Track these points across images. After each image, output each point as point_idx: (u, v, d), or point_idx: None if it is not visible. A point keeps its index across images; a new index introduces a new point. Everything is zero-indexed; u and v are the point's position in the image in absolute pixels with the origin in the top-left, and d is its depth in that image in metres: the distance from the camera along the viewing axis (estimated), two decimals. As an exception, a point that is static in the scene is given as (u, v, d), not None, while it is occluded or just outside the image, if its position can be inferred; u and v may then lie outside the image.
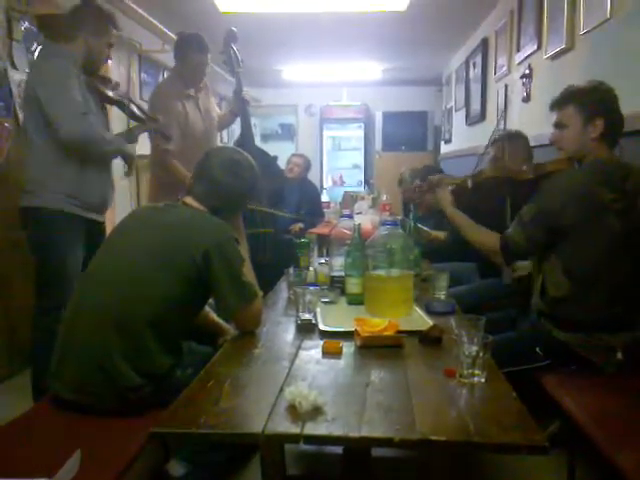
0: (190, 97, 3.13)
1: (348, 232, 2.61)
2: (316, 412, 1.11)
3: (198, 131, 3.13)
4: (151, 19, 4.41)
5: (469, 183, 2.09)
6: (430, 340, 1.56)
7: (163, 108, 2.91)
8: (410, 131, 7.78)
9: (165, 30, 4.68)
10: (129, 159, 2.40)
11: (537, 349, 1.82)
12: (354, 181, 8.19)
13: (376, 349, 1.51)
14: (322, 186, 7.97)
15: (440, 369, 1.36)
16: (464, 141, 5.66)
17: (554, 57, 3.08)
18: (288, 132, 8.66)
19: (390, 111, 7.87)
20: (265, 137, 8.60)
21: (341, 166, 8.38)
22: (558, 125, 1.84)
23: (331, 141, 8.40)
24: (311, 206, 4.55)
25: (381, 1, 4.03)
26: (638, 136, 2.08)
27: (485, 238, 1.93)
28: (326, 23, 4.70)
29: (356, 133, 8.19)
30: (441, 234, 3.03)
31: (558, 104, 1.84)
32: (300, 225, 4.24)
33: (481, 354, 1.30)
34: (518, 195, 1.99)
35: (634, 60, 2.25)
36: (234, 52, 3.20)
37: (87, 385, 1.48)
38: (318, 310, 1.80)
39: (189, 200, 1.71)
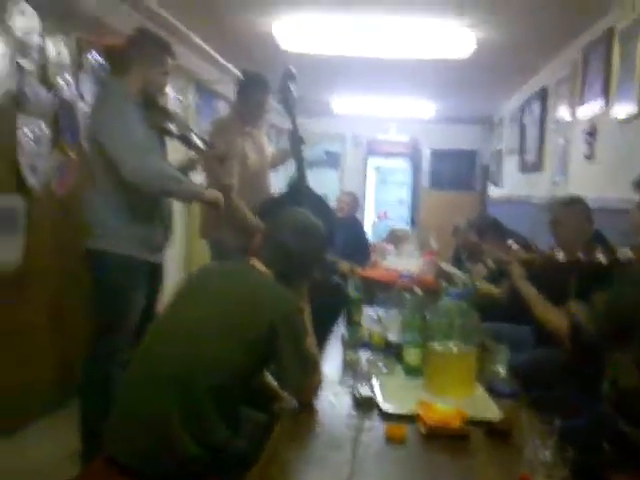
0: (247, 134, 3.16)
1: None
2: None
3: (253, 169, 3.15)
4: (209, 49, 4.48)
5: (539, 262, 2.04)
6: (497, 433, 1.49)
7: (224, 139, 2.96)
8: (457, 170, 7.70)
9: (223, 61, 4.76)
10: (213, 203, 2.35)
11: (603, 442, 1.72)
12: (399, 217, 8.11)
13: (441, 438, 1.45)
14: (365, 220, 7.93)
15: (510, 472, 1.29)
16: (517, 187, 5.56)
17: (624, 120, 2.99)
18: (334, 160, 8.68)
19: (437, 148, 7.82)
20: (310, 164, 8.63)
21: (386, 200, 8.32)
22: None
23: (377, 174, 8.37)
24: (357, 245, 4.51)
25: (444, 48, 3.99)
26: None
27: (555, 320, 1.87)
28: (382, 64, 4.71)
29: (403, 167, 8.15)
30: (495, 290, 2.96)
31: None
32: (347, 264, 4.20)
33: (559, 465, 1.23)
34: (588, 279, 1.92)
35: None
36: (291, 92, 3.20)
37: (145, 451, 1.46)
38: (375, 381, 1.76)
39: (256, 263, 1.69)
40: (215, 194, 2.38)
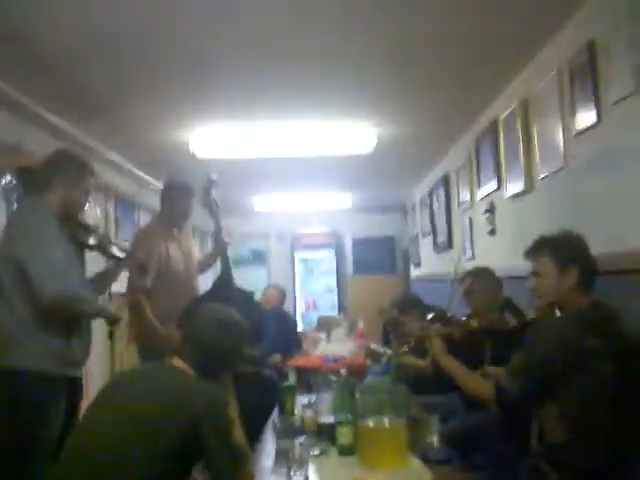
0: (173, 238, 3.22)
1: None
2: None
3: (179, 270, 3.18)
4: (127, 164, 4.62)
5: (456, 334, 2.17)
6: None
7: (146, 246, 3.00)
8: (379, 255, 8.04)
9: (142, 174, 4.91)
10: (113, 321, 2.36)
11: None
12: (327, 305, 8.23)
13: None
14: (295, 311, 7.98)
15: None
16: (433, 266, 5.87)
17: (514, 197, 3.32)
18: (260, 258, 8.81)
19: (359, 236, 8.18)
20: (237, 262, 8.69)
21: (314, 290, 8.46)
22: (534, 274, 1.90)
23: (303, 266, 8.55)
24: (288, 336, 4.53)
25: (348, 146, 4.33)
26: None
27: (480, 388, 1.93)
28: (296, 163, 5.00)
29: (327, 257, 8.40)
30: (421, 362, 3.05)
31: (532, 254, 1.91)
32: (278, 356, 4.19)
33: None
34: (502, 344, 2.04)
35: (590, 205, 2.44)
36: (213, 197, 3.35)
37: None
38: (309, 466, 1.75)
39: (177, 362, 1.69)
40: (116, 311, 2.41)
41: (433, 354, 2.20)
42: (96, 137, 3.92)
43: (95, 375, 3.24)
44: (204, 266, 3.48)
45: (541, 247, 1.89)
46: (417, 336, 2.35)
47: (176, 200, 3.20)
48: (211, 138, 4.13)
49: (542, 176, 2.89)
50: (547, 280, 1.85)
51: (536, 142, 2.95)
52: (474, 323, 2.30)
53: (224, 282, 3.26)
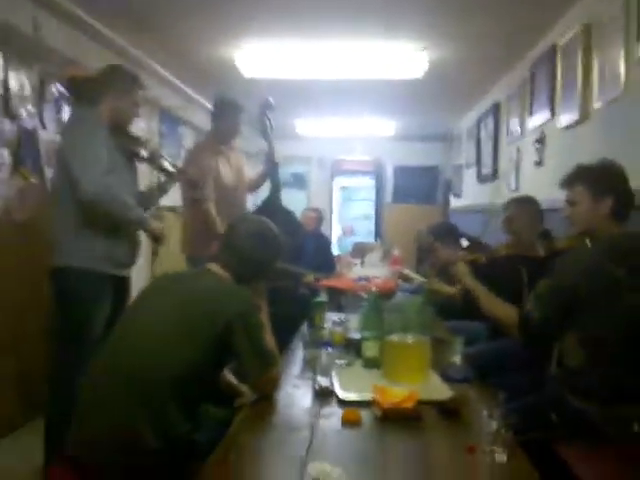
0: (222, 154, 3.29)
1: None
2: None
3: (228, 185, 3.29)
4: (173, 79, 4.60)
5: (484, 260, 2.15)
6: (448, 412, 1.56)
7: (197, 162, 3.15)
8: (420, 184, 7.92)
9: (187, 89, 4.89)
10: (157, 238, 2.41)
11: (552, 416, 1.81)
12: (364, 231, 8.27)
13: (395, 419, 1.51)
14: (331, 236, 8.05)
15: (460, 444, 1.36)
16: (475, 197, 5.76)
17: (567, 127, 3.16)
18: (300, 181, 8.82)
19: (400, 164, 8.03)
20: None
21: (352, 216, 8.49)
22: (568, 202, 1.89)
23: (342, 192, 8.54)
24: (323, 257, 4.60)
25: (399, 69, 4.15)
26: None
27: (503, 313, 1.94)
28: (341, 86, 4.87)
29: (367, 184, 8.34)
30: (452, 289, 3.07)
31: (567, 183, 1.90)
32: (312, 276, 4.27)
33: (502, 431, 1.31)
34: (532, 271, 2.02)
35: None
36: (268, 119, 3.37)
37: (108, 448, 1.49)
38: (334, 374, 1.82)
39: (214, 267, 1.76)
40: (159, 227, 2.42)
41: (458, 277, 2.21)
42: (146, 51, 3.92)
43: (139, 279, 3.40)
44: (254, 185, 3.57)
45: (576, 176, 1.87)
46: (443, 262, 2.35)
47: (225, 116, 3.29)
48: (257, 56, 4.06)
49: (598, 105, 2.74)
50: (580, 208, 1.84)
51: (595, 69, 2.77)
52: (502, 250, 2.28)
53: (272, 201, 3.37)
